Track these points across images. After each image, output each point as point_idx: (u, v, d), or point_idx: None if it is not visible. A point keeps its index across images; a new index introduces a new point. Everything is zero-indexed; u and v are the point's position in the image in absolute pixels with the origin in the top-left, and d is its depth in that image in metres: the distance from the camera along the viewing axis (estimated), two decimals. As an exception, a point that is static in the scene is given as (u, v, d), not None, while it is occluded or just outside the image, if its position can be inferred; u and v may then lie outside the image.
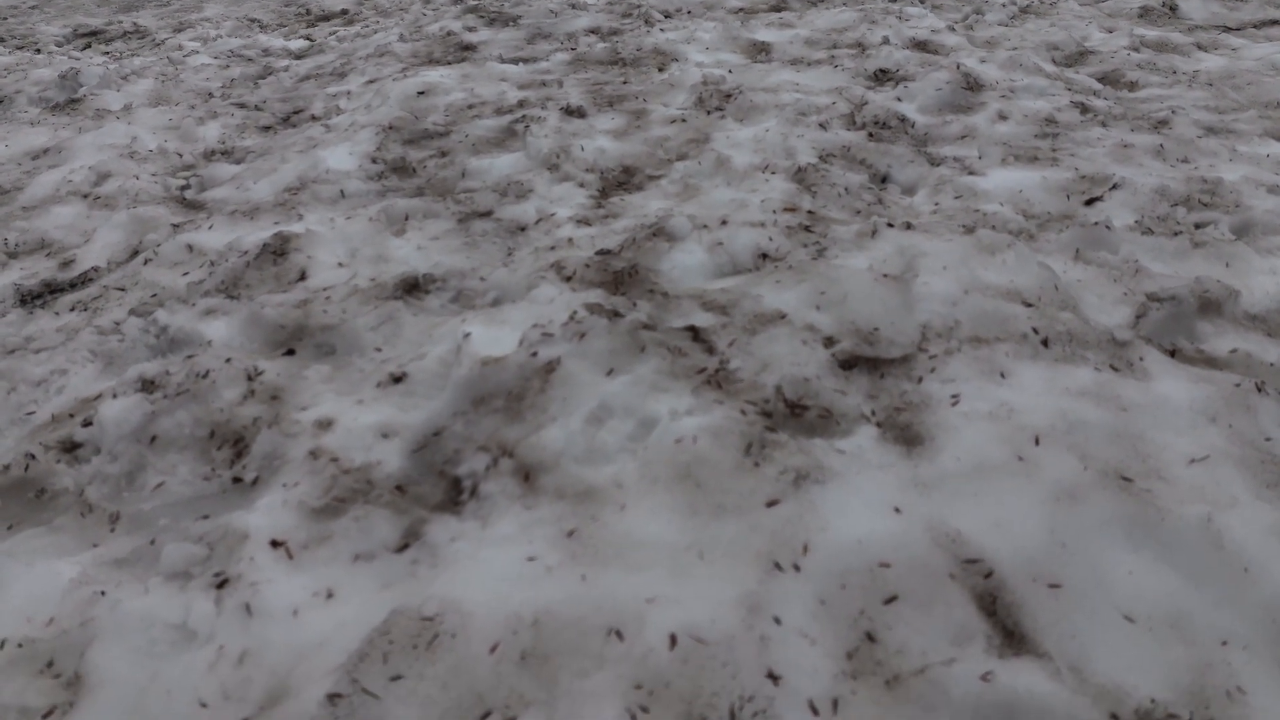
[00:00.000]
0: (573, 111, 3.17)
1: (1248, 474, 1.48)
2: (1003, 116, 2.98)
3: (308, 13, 7.21)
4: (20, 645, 1.28)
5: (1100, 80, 3.49)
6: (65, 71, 4.64)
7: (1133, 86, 3.43)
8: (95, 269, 2.45)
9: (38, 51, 6.48)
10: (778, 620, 1.22)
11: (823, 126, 2.91)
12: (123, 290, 2.30)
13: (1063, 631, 1.24)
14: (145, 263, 2.40)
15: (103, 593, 1.36)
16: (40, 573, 1.40)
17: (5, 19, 8.12)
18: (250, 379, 1.83)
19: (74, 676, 1.23)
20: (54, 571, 1.40)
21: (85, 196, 2.85)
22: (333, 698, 1.11)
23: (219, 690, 1.20)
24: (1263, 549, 1.31)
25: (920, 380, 1.72)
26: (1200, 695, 1.17)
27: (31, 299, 2.32)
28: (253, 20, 7.15)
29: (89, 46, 6.92)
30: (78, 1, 9.04)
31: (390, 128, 3.13)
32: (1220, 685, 1.18)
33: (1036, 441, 1.52)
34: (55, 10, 8.54)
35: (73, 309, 2.25)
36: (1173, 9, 4.61)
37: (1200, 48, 3.93)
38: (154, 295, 2.26)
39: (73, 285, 2.38)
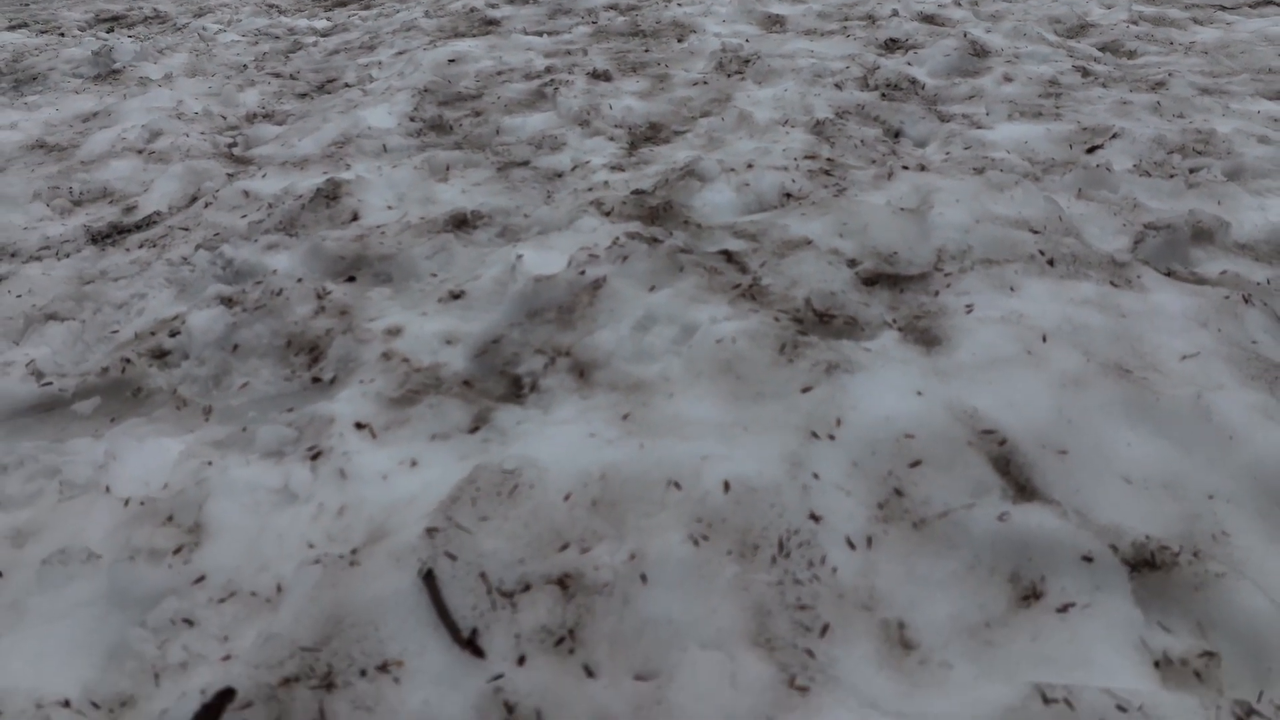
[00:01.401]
0: (599, 75, 3.33)
1: (1234, 367, 1.64)
2: (1008, 79, 3.14)
3: (325, -2, 7.35)
4: (142, 503, 1.44)
5: (1100, 49, 3.65)
6: (99, 48, 4.80)
7: (1131, 55, 3.59)
8: (158, 213, 2.61)
9: (62, 35, 6.63)
10: (816, 476, 1.38)
11: (838, 87, 3.07)
12: (186, 230, 2.46)
13: (1069, 487, 1.40)
14: (205, 206, 2.56)
15: (210, 463, 1.52)
16: (151, 448, 1.56)
17: (27, 5, 8.26)
18: (320, 297, 1.99)
19: (194, 525, 1.39)
20: (163, 447, 1.56)
21: (140, 152, 3.00)
22: (431, 531, 1.27)
23: (324, 534, 1.36)
24: (1246, 420, 1.47)
25: (937, 294, 1.88)
26: (1189, 538, 1.32)
27: (102, 238, 2.47)
28: (271, 5, 7.29)
29: (111, 31, 7.07)
30: (97, -11, 9.18)
31: (425, 91, 3.29)
32: (1207, 530, 1.34)
33: (1044, 339, 1.68)
34: (75, -4, 8.68)
35: (141, 246, 2.41)
36: (1171, -12, 4.76)
37: (1196, 22, 4.09)
38: (216, 234, 2.41)
39: (138, 227, 2.54)
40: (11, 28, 6.36)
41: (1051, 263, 1.94)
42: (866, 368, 1.63)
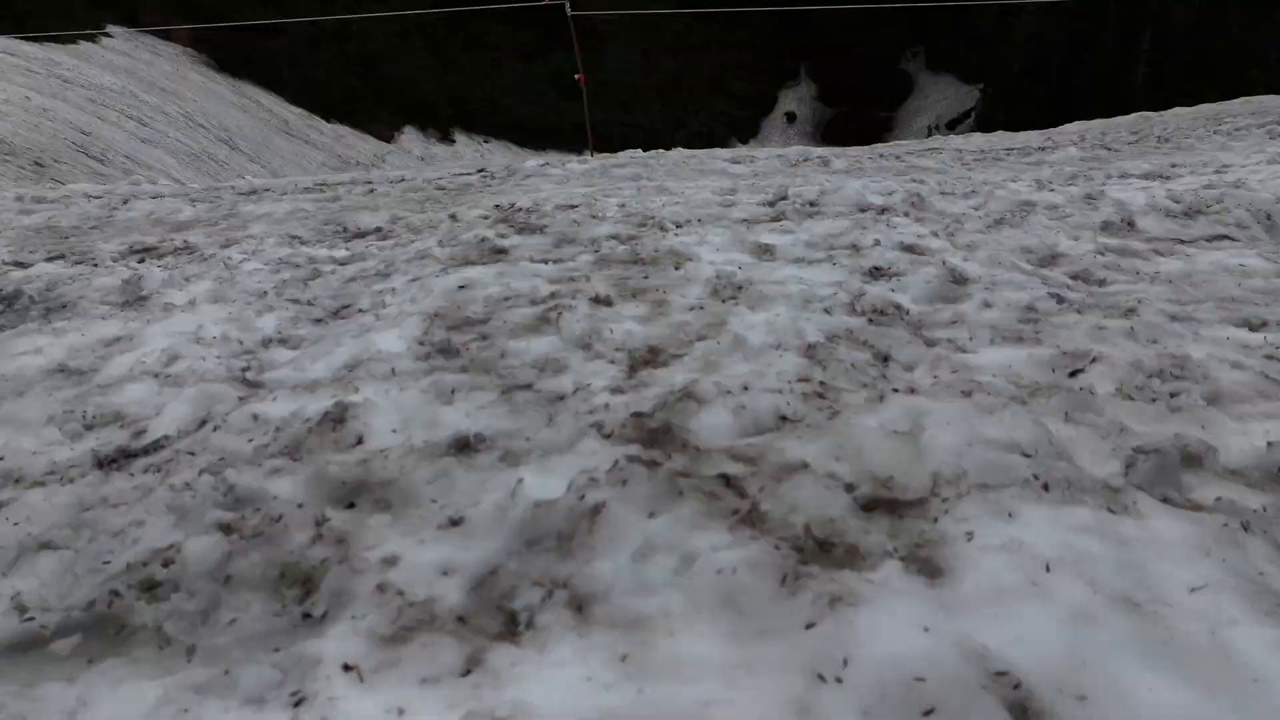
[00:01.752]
0: (600, 300, 3.52)
1: (1246, 601, 1.61)
2: (988, 304, 3.32)
3: (344, 230, 7.88)
4: (110, 757, 1.35)
5: (1072, 277, 3.89)
6: (129, 277, 5.11)
7: (1102, 283, 3.81)
8: (166, 437, 2.66)
9: (95, 265, 7.08)
10: (825, 725, 1.32)
11: (827, 312, 3.24)
12: (192, 455, 2.49)
13: (1092, 736, 1.32)
14: (214, 430, 2.62)
15: (186, 710, 1.45)
16: (126, 693, 1.49)
17: (67, 238, 8.87)
18: (318, 525, 1.99)
19: (162, 784, 1.30)
20: (140, 692, 1.50)
21: (156, 376, 3.11)
22: (415, 792, 1.19)
23: (301, 795, 1.27)
24: (1269, 661, 1.42)
25: (936, 520, 1.88)
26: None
27: (108, 463, 2.50)
28: (294, 236, 7.83)
29: (143, 261, 7.54)
30: (134, 223, 9.90)
31: (435, 315, 3.47)
32: (1246, 786, 1.25)
33: (1047, 569, 1.66)
34: (114, 230, 9.33)
35: (146, 471, 2.43)
36: (1131, 225, 5.14)
37: (1158, 253, 4.38)
38: (221, 459, 2.45)
39: (145, 451, 2.58)
40: (50, 259, 6.77)
41: (1046, 487, 1.96)
42: (870, 601, 1.60)
